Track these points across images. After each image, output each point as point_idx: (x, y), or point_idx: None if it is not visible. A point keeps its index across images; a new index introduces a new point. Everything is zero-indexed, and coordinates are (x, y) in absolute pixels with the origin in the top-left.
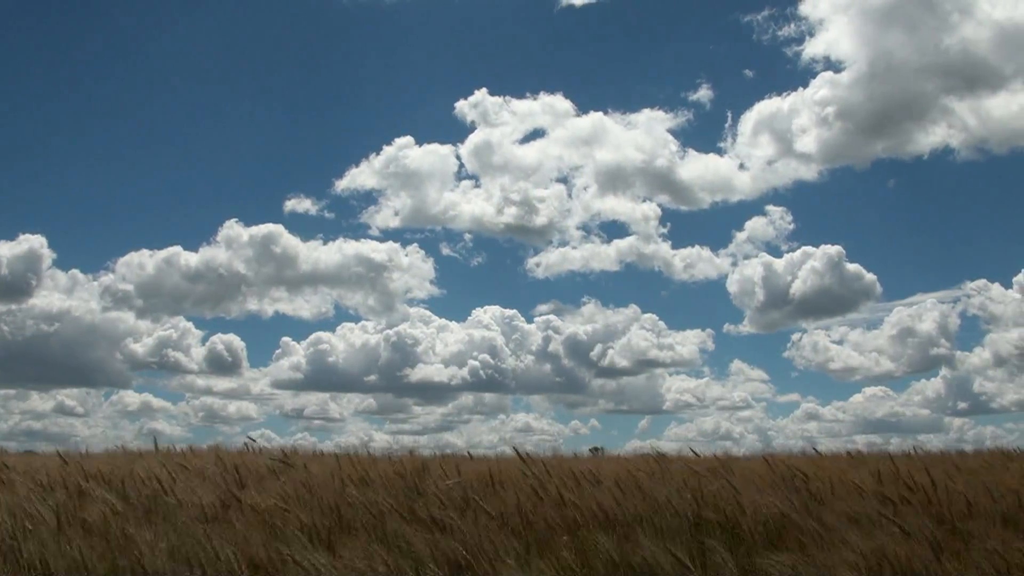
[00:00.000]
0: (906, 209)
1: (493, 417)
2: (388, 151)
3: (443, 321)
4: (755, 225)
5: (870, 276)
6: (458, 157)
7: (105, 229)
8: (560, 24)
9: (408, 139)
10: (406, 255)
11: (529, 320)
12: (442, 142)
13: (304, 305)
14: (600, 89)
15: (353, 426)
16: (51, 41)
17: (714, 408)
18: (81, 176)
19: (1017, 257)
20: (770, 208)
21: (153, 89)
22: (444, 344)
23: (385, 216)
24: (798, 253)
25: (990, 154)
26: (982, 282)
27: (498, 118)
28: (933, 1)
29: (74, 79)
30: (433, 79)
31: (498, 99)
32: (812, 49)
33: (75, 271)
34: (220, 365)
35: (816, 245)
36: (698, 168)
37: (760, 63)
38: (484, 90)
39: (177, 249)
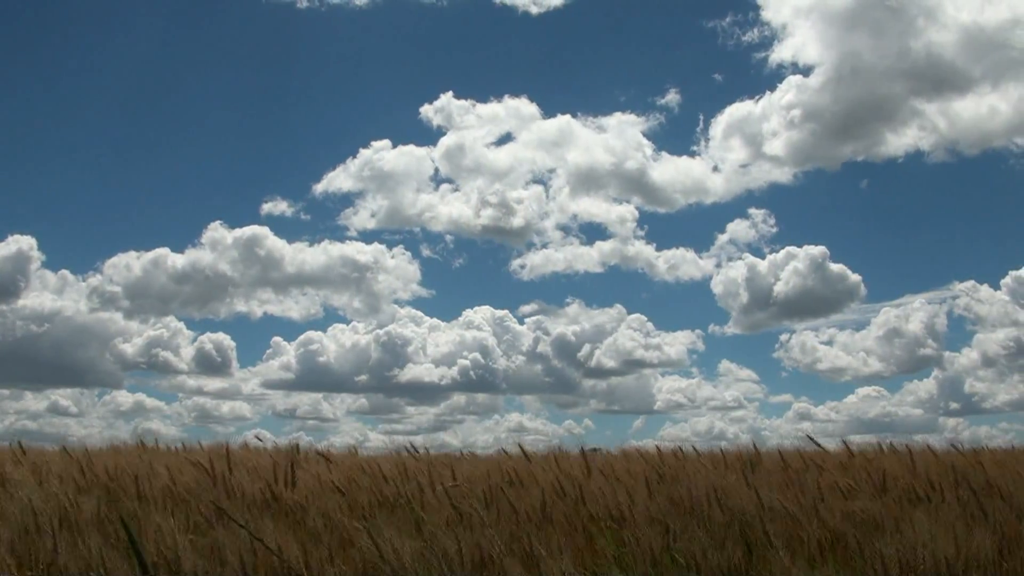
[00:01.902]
0: (884, 211)
1: (487, 417)
2: (364, 154)
3: (435, 321)
4: (737, 227)
5: (855, 277)
6: (432, 160)
7: (95, 231)
8: (521, 30)
9: (385, 142)
10: (392, 256)
11: (520, 321)
12: (418, 144)
13: (293, 306)
14: (565, 93)
15: (347, 426)
16: (42, 42)
17: (706, 408)
18: (71, 178)
19: (1004, 258)
20: (752, 211)
21: (140, 92)
22: (435, 344)
23: (362, 218)
24: (781, 254)
25: (961, 156)
26: (970, 283)
27: (464, 121)
28: (897, 5)
29: (63, 82)
30: (403, 83)
31: (464, 102)
32: (779, 53)
33: (65, 272)
34: (210, 365)
35: (799, 246)
36: (671, 171)
37: (728, 68)
38: (450, 93)
39: (164, 251)
